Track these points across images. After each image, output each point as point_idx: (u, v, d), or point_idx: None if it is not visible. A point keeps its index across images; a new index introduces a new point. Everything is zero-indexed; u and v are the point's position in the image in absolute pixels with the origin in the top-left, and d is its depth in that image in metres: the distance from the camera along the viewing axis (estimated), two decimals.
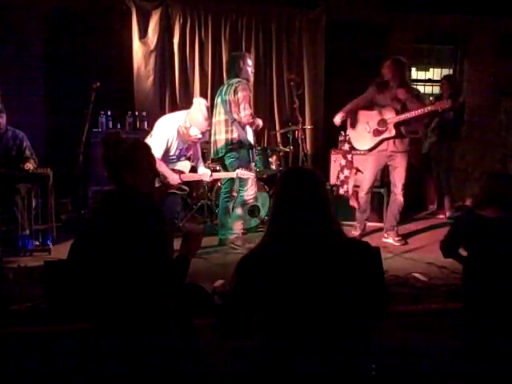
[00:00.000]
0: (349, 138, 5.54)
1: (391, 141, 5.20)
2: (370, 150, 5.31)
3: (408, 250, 5.16)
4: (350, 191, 5.80)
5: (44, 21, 6.33)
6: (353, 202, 5.77)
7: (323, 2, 6.83)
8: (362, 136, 5.35)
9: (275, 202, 1.92)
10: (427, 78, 7.87)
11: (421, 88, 7.97)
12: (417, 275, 4.27)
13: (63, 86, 6.30)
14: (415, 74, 7.93)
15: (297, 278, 1.75)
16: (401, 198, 5.32)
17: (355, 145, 5.47)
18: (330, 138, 6.49)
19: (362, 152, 5.54)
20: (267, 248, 1.84)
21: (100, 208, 2.33)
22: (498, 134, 6.80)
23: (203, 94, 6.69)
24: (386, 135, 5.19)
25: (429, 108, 5.08)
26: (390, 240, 5.38)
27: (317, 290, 1.74)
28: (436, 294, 3.93)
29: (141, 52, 6.48)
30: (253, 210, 5.65)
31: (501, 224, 2.95)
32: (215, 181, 5.94)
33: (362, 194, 5.47)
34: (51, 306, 3.47)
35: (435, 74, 7.86)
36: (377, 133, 5.23)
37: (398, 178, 5.29)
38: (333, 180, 6.22)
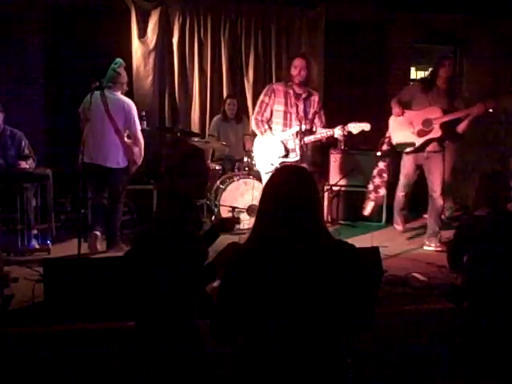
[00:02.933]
0: (389, 140, 5.39)
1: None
2: (415, 151, 5.14)
3: (408, 249, 5.17)
4: (373, 203, 5.75)
5: (44, 21, 6.33)
6: (365, 211, 5.75)
7: (323, 2, 6.83)
8: (405, 137, 5.15)
9: (262, 199, 1.87)
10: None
11: None
12: (417, 275, 4.27)
13: (63, 86, 6.30)
14: (415, 73, 7.94)
15: (280, 282, 1.70)
16: (441, 202, 5.16)
17: (398, 146, 5.28)
18: (329, 138, 6.47)
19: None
20: (251, 250, 1.79)
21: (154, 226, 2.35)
22: (498, 134, 6.79)
23: (202, 94, 6.70)
24: (431, 135, 5.01)
25: (476, 109, 4.89)
26: (432, 247, 5.15)
27: (300, 294, 1.70)
28: (436, 294, 3.94)
29: (140, 51, 6.48)
30: (253, 210, 5.64)
31: (491, 221, 3.01)
32: (215, 180, 5.95)
33: (399, 193, 5.38)
34: (51, 305, 3.48)
35: None
36: (422, 133, 5.04)
37: (436, 180, 5.13)
38: (332, 180, 6.23)
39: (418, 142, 5.10)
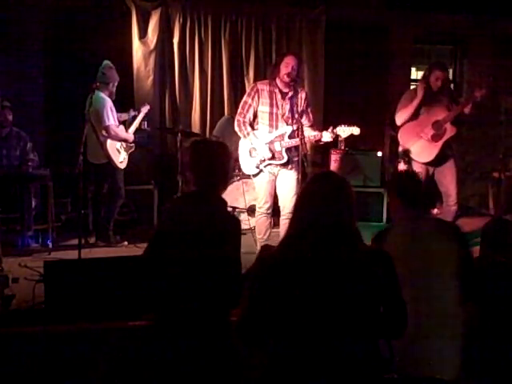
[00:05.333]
0: (405, 152, 5.09)
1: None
2: (438, 156, 4.92)
3: None
4: None
5: (44, 21, 6.33)
6: None
7: (323, 2, 6.82)
8: (421, 147, 4.93)
9: (298, 205, 1.93)
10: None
11: None
12: None
13: (63, 86, 6.30)
14: (415, 73, 7.93)
15: (311, 284, 1.72)
16: (455, 209, 5.00)
17: (420, 159, 4.97)
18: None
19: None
20: (285, 252, 1.81)
21: (181, 209, 2.38)
22: (497, 134, 6.79)
23: (203, 94, 6.69)
24: (447, 136, 4.85)
25: (475, 96, 4.80)
26: None
27: (330, 297, 1.71)
28: None
29: (140, 52, 6.47)
30: (253, 210, 5.64)
31: None
32: None
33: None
34: (51, 305, 3.48)
35: None
36: (437, 137, 4.86)
37: (451, 186, 4.99)
38: None
39: (437, 147, 4.88)
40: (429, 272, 2.35)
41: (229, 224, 2.26)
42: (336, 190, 1.91)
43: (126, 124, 5.41)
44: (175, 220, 2.32)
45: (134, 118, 5.49)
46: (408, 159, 5.05)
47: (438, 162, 4.98)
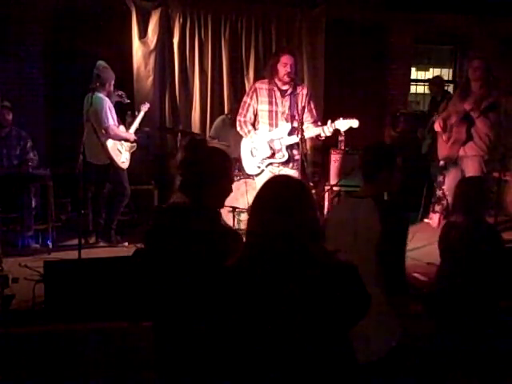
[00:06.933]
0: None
1: (460, 145, 5.04)
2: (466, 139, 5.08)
3: (408, 249, 5.15)
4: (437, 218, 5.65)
5: (44, 21, 6.33)
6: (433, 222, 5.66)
7: (323, 2, 6.83)
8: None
9: (251, 216, 1.75)
10: (427, 78, 7.87)
11: (420, 88, 7.99)
12: (417, 275, 4.26)
13: (63, 86, 6.30)
14: (415, 74, 7.94)
15: (265, 300, 1.63)
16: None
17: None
18: (329, 138, 6.47)
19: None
20: (239, 265, 1.70)
21: (170, 224, 2.09)
22: (497, 134, 6.78)
23: (203, 94, 6.70)
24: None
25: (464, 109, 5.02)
26: None
27: (286, 314, 1.62)
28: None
29: (141, 52, 6.48)
30: None
31: (464, 229, 2.92)
32: None
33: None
34: (51, 305, 3.48)
35: (435, 74, 7.86)
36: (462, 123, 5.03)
37: None
38: (332, 180, 6.23)
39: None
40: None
41: (228, 240, 2.00)
42: (288, 197, 1.69)
43: (127, 124, 5.41)
44: (162, 242, 2.06)
45: (135, 117, 5.49)
46: None
47: None
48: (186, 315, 2.01)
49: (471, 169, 5.05)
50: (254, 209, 1.74)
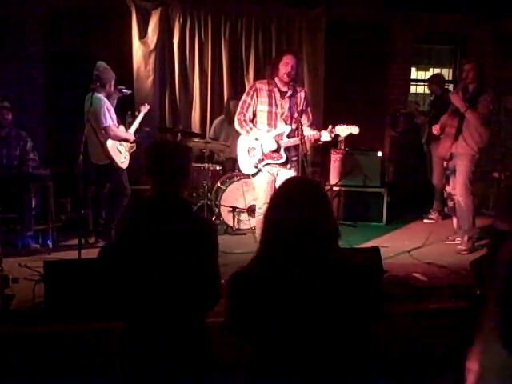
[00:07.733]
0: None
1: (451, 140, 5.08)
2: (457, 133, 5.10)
3: (408, 249, 5.17)
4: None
5: (44, 21, 6.33)
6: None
7: (323, 2, 6.83)
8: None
9: (267, 216, 1.78)
10: (427, 78, 7.87)
11: (421, 88, 7.99)
12: (417, 275, 4.27)
13: (63, 86, 6.30)
14: (415, 73, 7.94)
15: (286, 303, 1.66)
16: (462, 201, 5.05)
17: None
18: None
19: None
20: (257, 270, 1.73)
21: (144, 216, 2.19)
22: (497, 134, 6.79)
23: (203, 94, 6.70)
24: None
25: None
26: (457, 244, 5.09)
27: (306, 316, 1.66)
28: (436, 294, 3.94)
29: (141, 52, 6.48)
30: (253, 210, 5.64)
31: None
32: (215, 180, 5.95)
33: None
34: (51, 305, 3.48)
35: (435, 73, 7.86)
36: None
37: (457, 180, 5.12)
38: (332, 180, 6.24)
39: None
40: None
41: (198, 226, 2.17)
42: (309, 197, 1.74)
43: (127, 124, 5.42)
44: (136, 233, 2.14)
45: (135, 117, 5.49)
46: None
47: None
48: (161, 312, 2.07)
49: (460, 167, 5.09)
50: (273, 209, 1.78)
